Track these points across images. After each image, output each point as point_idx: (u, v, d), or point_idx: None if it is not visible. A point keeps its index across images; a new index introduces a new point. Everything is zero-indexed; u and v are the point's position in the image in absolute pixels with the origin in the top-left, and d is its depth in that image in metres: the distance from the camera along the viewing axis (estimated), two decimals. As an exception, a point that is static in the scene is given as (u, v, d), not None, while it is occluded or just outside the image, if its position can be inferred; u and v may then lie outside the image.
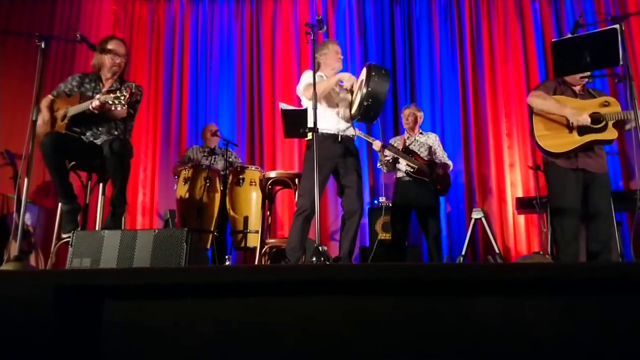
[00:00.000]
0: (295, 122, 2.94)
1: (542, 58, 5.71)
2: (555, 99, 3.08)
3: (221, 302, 1.68)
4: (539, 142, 3.08)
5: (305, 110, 2.98)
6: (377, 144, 4.10)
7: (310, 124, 2.88)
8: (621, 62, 2.52)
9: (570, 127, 3.02)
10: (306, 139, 3.21)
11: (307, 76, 3.31)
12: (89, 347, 1.67)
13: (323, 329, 1.62)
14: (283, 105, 3.04)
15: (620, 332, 1.54)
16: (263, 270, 1.80)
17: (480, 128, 5.70)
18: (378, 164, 4.34)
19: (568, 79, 3.15)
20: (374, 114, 3.21)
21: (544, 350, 1.56)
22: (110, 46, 3.22)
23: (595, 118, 2.98)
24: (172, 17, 6.22)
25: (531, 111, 3.16)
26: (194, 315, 1.67)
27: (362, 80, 3.23)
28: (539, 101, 3.09)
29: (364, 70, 3.21)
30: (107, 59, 3.19)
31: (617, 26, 2.54)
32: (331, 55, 3.39)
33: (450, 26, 5.98)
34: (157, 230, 2.35)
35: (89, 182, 3.41)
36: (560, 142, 3.03)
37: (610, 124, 2.96)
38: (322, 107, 3.20)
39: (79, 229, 2.99)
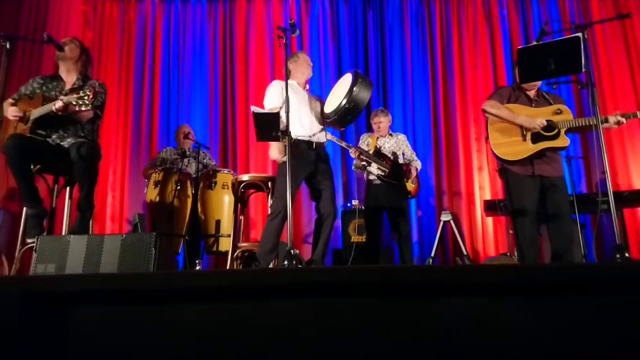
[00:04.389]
0: (268, 125, 2.93)
1: (510, 64, 5.84)
2: (509, 108, 3.18)
3: (190, 307, 1.66)
4: (494, 150, 3.17)
5: (278, 114, 2.99)
6: (354, 152, 4.15)
7: (282, 128, 2.89)
8: (584, 69, 2.60)
9: (524, 136, 3.12)
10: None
11: (272, 90, 3.32)
12: (55, 354, 1.64)
13: (296, 332, 1.62)
14: (255, 109, 3.02)
15: (584, 331, 1.59)
16: (232, 275, 1.80)
17: (450, 132, 5.80)
18: (353, 167, 4.39)
19: (523, 84, 3.24)
20: (351, 118, 3.24)
21: (509, 350, 1.59)
22: (65, 40, 3.25)
23: (548, 125, 3.08)
24: (143, 17, 6.13)
25: (487, 119, 3.24)
26: (162, 322, 1.65)
27: (341, 84, 3.25)
28: (493, 111, 3.19)
29: (349, 76, 3.24)
30: (66, 50, 3.19)
31: (579, 34, 2.62)
32: (301, 62, 3.44)
33: (422, 32, 6.07)
34: (124, 235, 2.31)
35: (56, 186, 3.34)
36: (514, 150, 3.12)
37: (562, 131, 3.07)
38: (296, 114, 3.21)
39: (44, 233, 2.92)
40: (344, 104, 3.12)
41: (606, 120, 3.03)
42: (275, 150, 3.29)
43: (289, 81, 3.36)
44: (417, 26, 6.10)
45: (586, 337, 1.58)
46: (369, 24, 6.13)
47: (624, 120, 3.04)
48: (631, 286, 1.62)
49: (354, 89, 3.10)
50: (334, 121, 3.30)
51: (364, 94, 3.13)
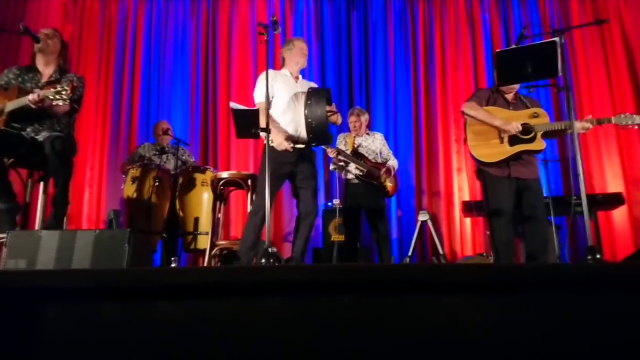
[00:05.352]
0: (247, 122, 2.91)
1: (490, 66, 5.91)
2: (487, 111, 3.22)
3: (166, 304, 1.65)
4: (472, 152, 3.22)
5: (257, 111, 2.95)
6: (332, 151, 4.15)
7: (262, 125, 2.87)
8: (560, 74, 2.64)
9: (501, 138, 3.16)
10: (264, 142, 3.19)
11: (262, 84, 3.24)
12: (25, 351, 1.61)
13: (274, 330, 1.62)
14: (234, 105, 2.99)
15: (557, 330, 1.61)
16: (202, 272, 1.78)
17: (431, 133, 5.84)
18: (331, 167, 4.40)
19: (501, 87, 3.27)
20: (324, 134, 3.14)
21: (483, 350, 1.61)
22: (44, 31, 3.19)
23: (525, 129, 3.13)
24: (124, 12, 6.05)
25: (465, 120, 3.28)
26: (134, 319, 1.63)
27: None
28: (472, 112, 3.23)
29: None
30: (49, 43, 3.14)
31: (556, 39, 2.67)
32: (296, 51, 3.35)
33: (405, 33, 6.11)
34: (97, 231, 2.29)
35: (30, 180, 3.27)
36: (491, 151, 3.17)
37: (539, 135, 3.13)
38: (280, 112, 3.18)
39: (17, 229, 2.86)
40: (310, 134, 3.08)
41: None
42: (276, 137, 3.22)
43: (281, 71, 3.36)
44: (400, 27, 6.14)
45: (559, 337, 1.61)
46: (352, 24, 6.15)
47: (589, 125, 3.10)
48: (601, 287, 1.65)
49: (307, 118, 3.02)
50: (317, 144, 3.27)
51: (317, 114, 3.02)
